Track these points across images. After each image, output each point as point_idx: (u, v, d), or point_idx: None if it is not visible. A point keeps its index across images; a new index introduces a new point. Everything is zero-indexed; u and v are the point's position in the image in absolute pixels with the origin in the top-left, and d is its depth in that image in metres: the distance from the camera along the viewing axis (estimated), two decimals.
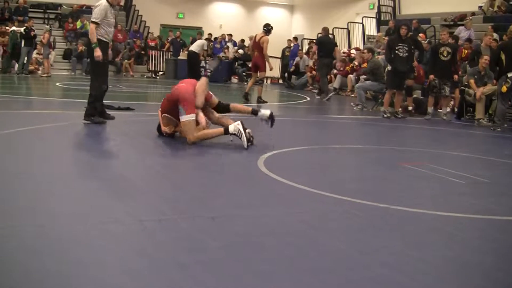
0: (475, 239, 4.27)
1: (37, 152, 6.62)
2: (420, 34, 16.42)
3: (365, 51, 15.90)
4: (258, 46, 14.54)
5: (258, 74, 14.77)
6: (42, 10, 26.44)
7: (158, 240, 3.76)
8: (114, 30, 8.88)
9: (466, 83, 13.09)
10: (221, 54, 24.96)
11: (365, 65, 16.82)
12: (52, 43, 22.46)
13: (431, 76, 12.75)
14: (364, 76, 16.17)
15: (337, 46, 18.89)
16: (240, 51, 24.51)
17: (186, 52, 24.52)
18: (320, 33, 19.04)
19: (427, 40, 17.02)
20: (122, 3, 8.84)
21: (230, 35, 26.41)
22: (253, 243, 3.78)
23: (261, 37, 14.48)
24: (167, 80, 23.20)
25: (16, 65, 21.03)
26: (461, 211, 4.98)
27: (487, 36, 14.54)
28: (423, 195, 5.61)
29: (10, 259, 3.27)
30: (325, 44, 17.68)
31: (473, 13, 20.32)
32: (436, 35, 19.38)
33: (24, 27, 20.73)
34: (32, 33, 20.44)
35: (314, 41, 20.83)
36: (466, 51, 16.04)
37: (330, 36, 20.03)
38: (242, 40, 25.70)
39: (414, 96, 14.01)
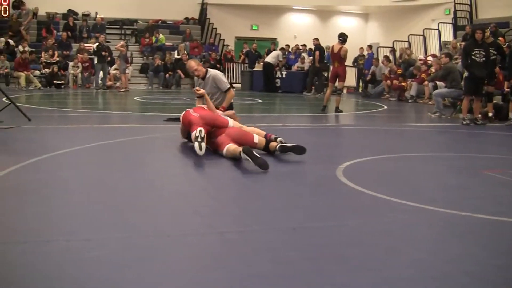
0: None
1: (116, 166, 6.84)
2: (500, 38, 16.09)
3: (443, 56, 15.68)
4: (338, 56, 14.52)
5: (338, 84, 14.75)
6: (118, 26, 27.15)
7: (239, 252, 3.80)
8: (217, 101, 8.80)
9: None
10: (296, 65, 25.02)
11: None
12: (129, 58, 23.01)
13: None
14: (441, 83, 16.00)
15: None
16: None
17: (261, 63, 24.72)
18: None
19: (507, 44, 16.67)
20: (199, 73, 8.60)
21: (305, 45, 26.37)
22: (334, 254, 3.79)
23: (340, 47, 14.43)
24: (243, 91, 23.38)
25: (95, 81, 21.68)
26: None
27: None
28: (506, 203, 5.49)
29: (97, 270, 3.38)
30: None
31: None
32: None
33: (97, 44, 21.27)
34: (104, 53, 20.99)
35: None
36: None
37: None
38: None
39: (494, 102, 13.74)
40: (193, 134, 7.06)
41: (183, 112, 7.91)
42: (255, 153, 6.46)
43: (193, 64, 8.87)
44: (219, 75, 8.94)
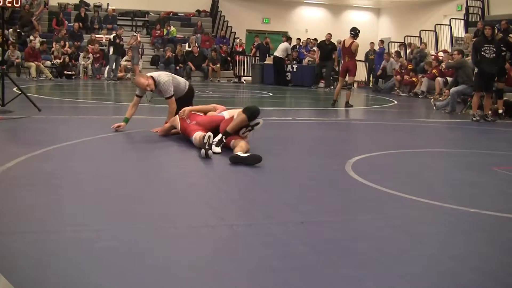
0: None
1: (126, 157, 6.87)
2: (510, 35, 16.00)
3: (455, 52, 15.63)
4: (348, 51, 14.49)
5: (348, 78, 14.73)
6: (130, 18, 27.20)
7: (248, 245, 3.80)
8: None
9: None
10: (307, 58, 24.99)
11: None
12: (140, 50, 23.08)
13: None
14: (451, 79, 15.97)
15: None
16: None
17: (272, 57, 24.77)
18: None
19: None
20: (151, 86, 8.00)
21: (316, 39, 26.27)
22: (343, 249, 3.79)
23: (351, 42, 14.41)
24: (253, 85, 23.37)
25: (105, 72, 21.74)
26: None
27: None
28: None
29: (106, 261, 3.39)
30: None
31: None
32: None
33: (114, 35, 21.35)
34: (119, 41, 21.04)
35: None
36: None
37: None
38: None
39: (505, 98, 13.69)
40: (198, 138, 6.85)
41: (176, 117, 7.88)
42: (241, 155, 6.34)
43: (142, 81, 8.29)
44: (165, 83, 8.51)
